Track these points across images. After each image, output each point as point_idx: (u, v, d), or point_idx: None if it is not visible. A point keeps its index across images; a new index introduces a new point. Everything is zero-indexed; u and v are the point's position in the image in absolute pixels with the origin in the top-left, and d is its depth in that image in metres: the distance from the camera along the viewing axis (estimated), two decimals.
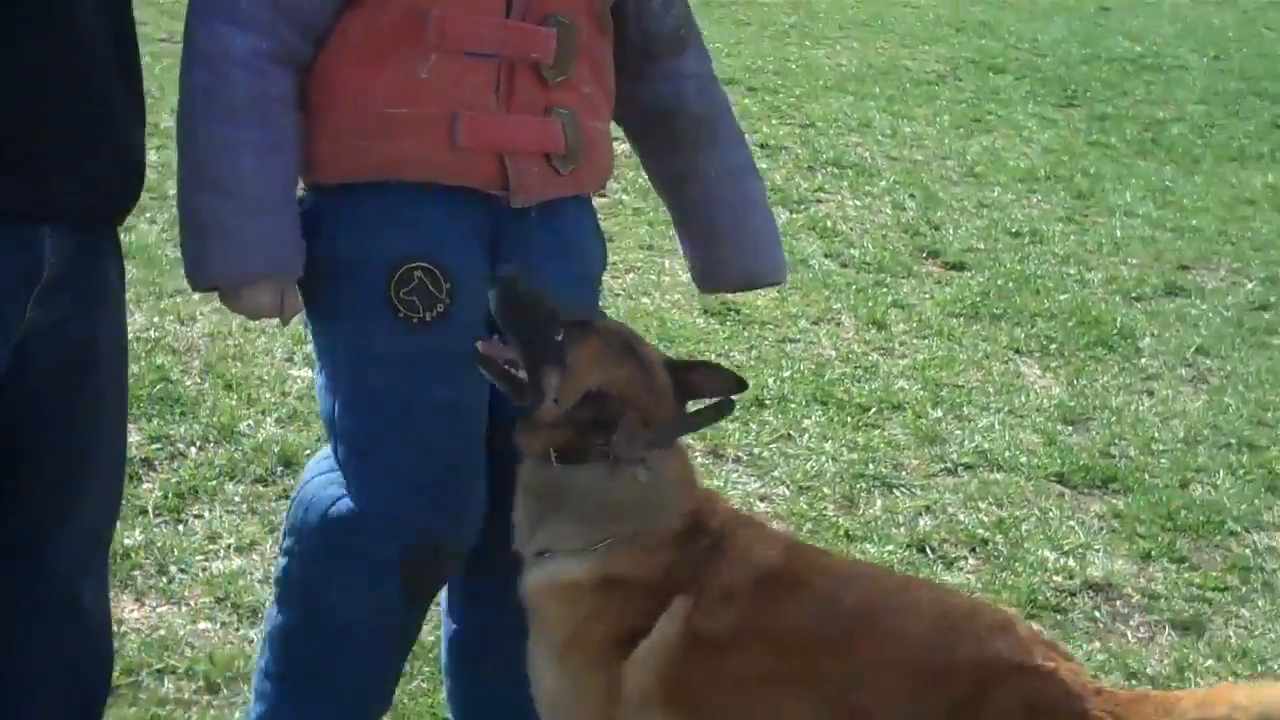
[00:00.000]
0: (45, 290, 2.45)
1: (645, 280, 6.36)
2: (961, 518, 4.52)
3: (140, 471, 4.29)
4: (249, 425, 4.63)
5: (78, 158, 2.44)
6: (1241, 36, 14.87)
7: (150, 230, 6.11)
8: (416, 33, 2.65)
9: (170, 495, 4.21)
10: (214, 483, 4.30)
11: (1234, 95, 11.77)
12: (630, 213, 7.12)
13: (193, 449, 4.50)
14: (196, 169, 2.63)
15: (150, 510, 4.14)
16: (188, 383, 4.91)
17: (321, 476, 2.89)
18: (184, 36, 2.66)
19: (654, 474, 2.65)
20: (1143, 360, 5.96)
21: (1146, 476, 4.86)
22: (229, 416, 4.68)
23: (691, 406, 2.79)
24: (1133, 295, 6.77)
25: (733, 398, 2.78)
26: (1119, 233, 7.71)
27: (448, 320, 2.74)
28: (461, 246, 2.77)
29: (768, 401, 5.19)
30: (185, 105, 2.63)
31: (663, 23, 3.03)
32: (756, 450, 4.83)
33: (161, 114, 6.03)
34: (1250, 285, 7.00)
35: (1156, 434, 5.22)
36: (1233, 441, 5.20)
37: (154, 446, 4.45)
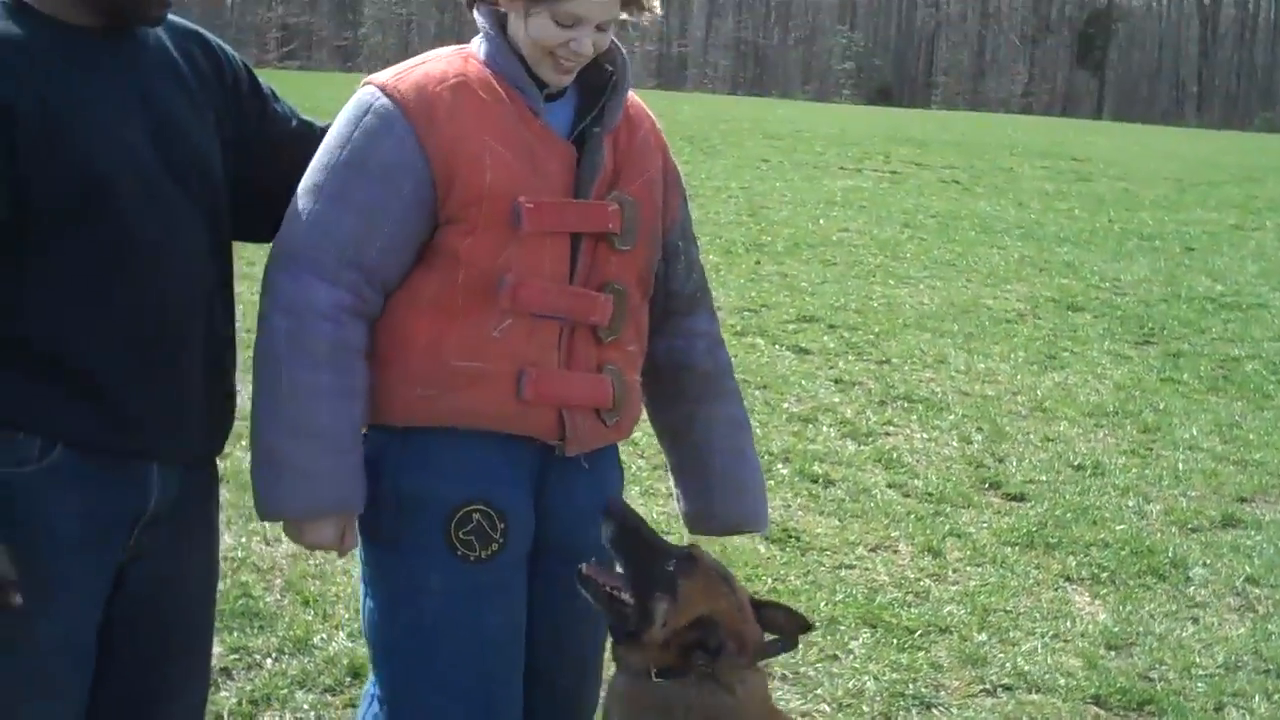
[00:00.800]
0: (148, 523, 2.82)
1: None
2: None
3: (219, 680, 4.60)
4: (322, 638, 4.95)
5: (184, 403, 2.82)
6: None
7: (244, 457, 6.46)
8: (490, 295, 2.92)
9: (244, 702, 4.52)
10: (285, 691, 4.61)
11: None
12: None
13: (269, 660, 4.82)
14: (276, 409, 2.90)
15: (225, 716, 4.44)
16: (269, 599, 5.25)
17: (369, 715, 3.16)
18: (266, 284, 2.93)
19: (747, 690, 3.01)
20: (1191, 589, 6.11)
21: (1182, 700, 5.01)
22: (304, 630, 5.01)
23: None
24: (1189, 526, 6.93)
25: (797, 636, 3.17)
26: (1181, 466, 7.90)
27: (500, 558, 3.02)
28: (515, 488, 3.05)
29: (818, 624, 5.41)
30: (268, 349, 2.91)
31: (685, 285, 3.33)
32: (802, 669, 5.06)
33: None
34: None
35: (1198, 659, 5.36)
36: (1272, 668, 5.32)
37: (233, 657, 4.78)
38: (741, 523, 3.45)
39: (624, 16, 3.03)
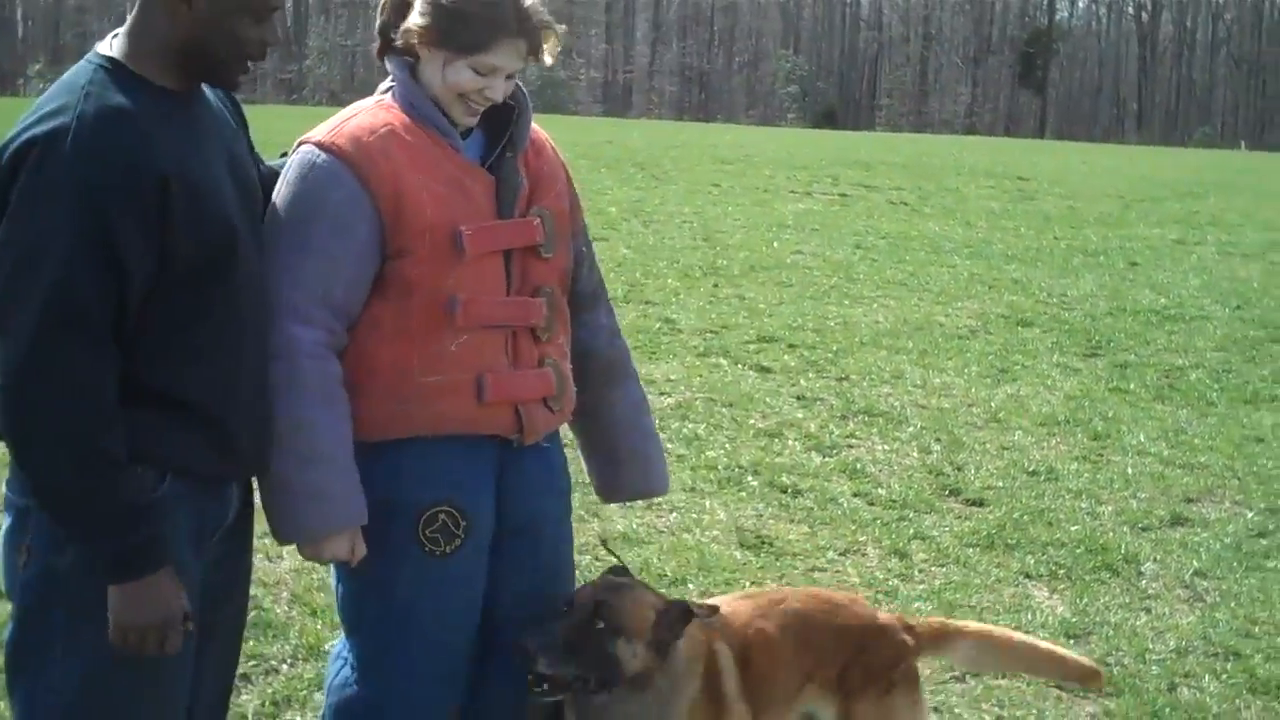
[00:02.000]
0: (224, 533, 3.18)
1: (687, 519, 6.98)
2: (966, 717, 5.05)
3: (240, 685, 4.88)
4: (332, 644, 5.22)
5: (255, 430, 3.17)
6: (1265, 287, 15.58)
7: None
8: (444, 315, 3.34)
9: (267, 704, 4.84)
10: (304, 693, 4.93)
11: (1253, 342, 12.40)
12: (675, 459, 7.76)
13: (284, 665, 5.14)
14: (281, 443, 3.26)
15: (250, 716, 4.76)
16: (278, 610, 5.56)
17: (339, 680, 3.62)
18: None
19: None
20: (1143, 582, 6.50)
21: (1138, 681, 5.38)
22: (315, 638, 5.32)
23: None
24: (1140, 526, 7.31)
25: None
26: (1130, 470, 8.29)
27: (461, 551, 3.46)
28: (476, 489, 3.49)
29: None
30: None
31: (587, 284, 3.82)
32: None
33: None
34: (1251, 515, 7.53)
35: (1150, 645, 5.74)
36: (1220, 651, 5.71)
37: (251, 664, 5.07)
38: (647, 490, 4.05)
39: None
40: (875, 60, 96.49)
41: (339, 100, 63.71)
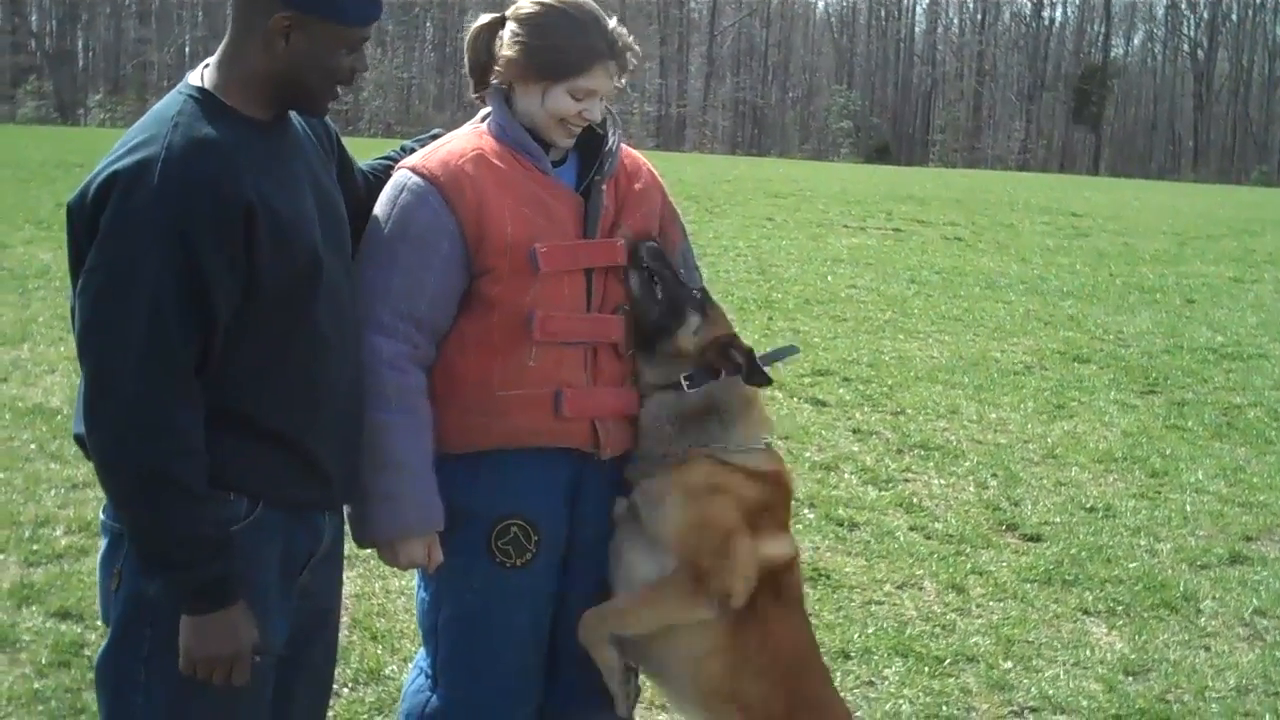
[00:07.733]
0: (315, 562, 3.22)
1: None
2: None
3: None
4: (393, 669, 5.31)
5: (344, 456, 3.22)
6: None
7: None
8: (522, 330, 3.46)
9: None
10: (365, 716, 4.99)
11: None
12: None
13: (345, 689, 5.19)
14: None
15: None
16: (339, 635, 5.58)
17: (414, 686, 3.73)
18: None
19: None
20: (1202, 620, 6.46)
21: (1197, 719, 5.35)
22: (375, 662, 5.38)
23: None
24: (1199, 563, 7.27)
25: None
26: (1189, 507, 8.25)
27: (532, 564, 3.56)
28: (550, 504, 3.59)
29: (852, 654, 5.78)
30: None
31: None
32: (842, 695, 5.38)
33: None
34: None
35: (1210, 683, 5.71)
36: None
37: None
38: None
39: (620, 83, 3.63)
40: (929, 96, 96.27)
41: (393, 133, 63.99)
